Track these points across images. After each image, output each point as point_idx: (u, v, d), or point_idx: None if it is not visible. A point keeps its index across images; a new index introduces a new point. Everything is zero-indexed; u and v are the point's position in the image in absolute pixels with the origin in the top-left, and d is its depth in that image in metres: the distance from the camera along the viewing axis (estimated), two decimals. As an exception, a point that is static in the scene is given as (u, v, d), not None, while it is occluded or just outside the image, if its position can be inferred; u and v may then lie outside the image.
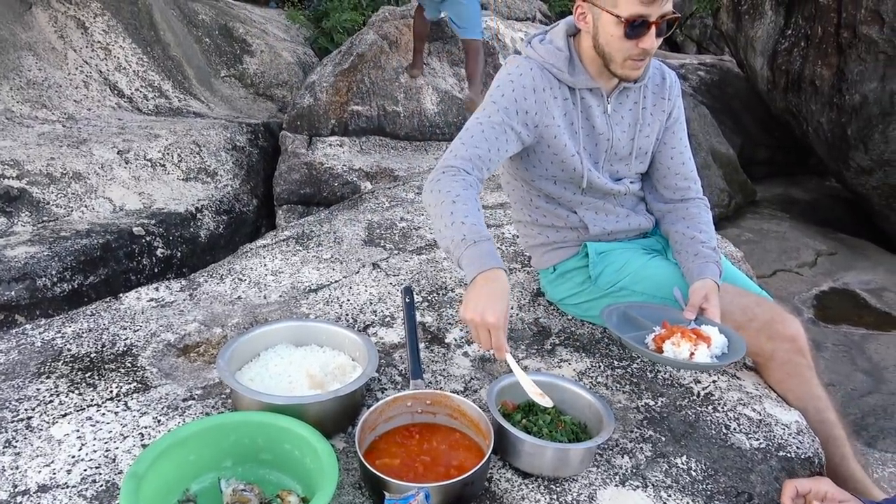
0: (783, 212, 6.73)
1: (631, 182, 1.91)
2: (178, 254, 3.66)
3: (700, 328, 1.60)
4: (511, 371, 1.47)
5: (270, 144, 4.77)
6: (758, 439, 1.57)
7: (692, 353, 1.50)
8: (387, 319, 1.94)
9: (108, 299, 2.00)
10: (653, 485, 1.40)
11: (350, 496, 1.33)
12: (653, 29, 1.59)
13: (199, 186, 4.07)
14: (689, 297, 1.71)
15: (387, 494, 1.21)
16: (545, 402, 1.41)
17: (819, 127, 6.32)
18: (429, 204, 1.59)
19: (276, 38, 6.12)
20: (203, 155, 4.23)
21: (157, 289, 2.07)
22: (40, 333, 1.80)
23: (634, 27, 1.58)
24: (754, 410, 1.67)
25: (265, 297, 2.04)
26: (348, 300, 2.03)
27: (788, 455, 1.53)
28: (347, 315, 1.95)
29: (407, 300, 1.71)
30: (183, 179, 4.06)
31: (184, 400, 1.56)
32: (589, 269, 1.89)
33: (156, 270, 3.53)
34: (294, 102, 4.59)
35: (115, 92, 4.81)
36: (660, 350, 1.55)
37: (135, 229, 3.47)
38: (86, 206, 3.56)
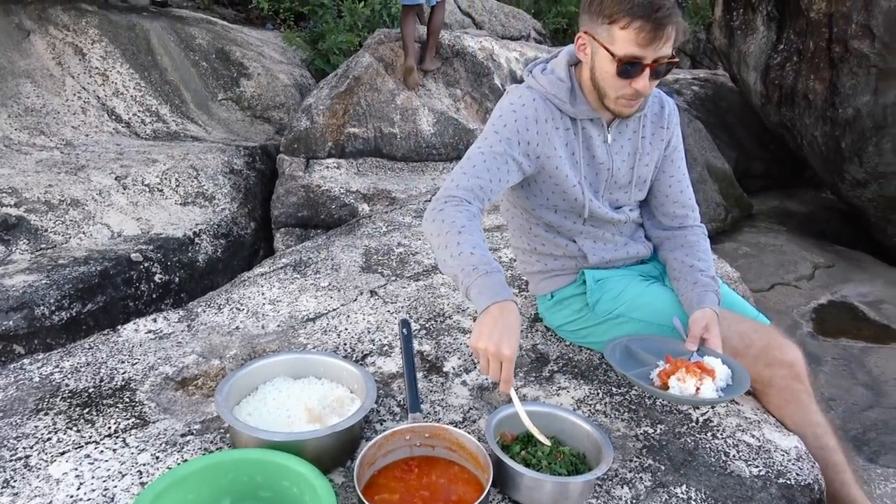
0: (780, 225, 6.75)
1: (630, 210, 1.92)
2: (177, 279, 3.67)
3: (703, 360, 1.61)
4: (510, 402, 1.47)
5: (268, 167, 4.79)
6: (757, 466, 1.57)
7: (697, 388, 1.51)
8: (385, 348, 1.94)
9: (106, 332, 2.01)
10: (653, 516, 1.39)
11: (349, 532, 1.32)
12: (647, 71, 1.59)
13: (196, 211, 4.08)
14: (689, 327, 1.72)
15: (386, 533, 1.21)
16: (544, 439, 1.43)
17: (813, 140, 6.36)
18: (431, 233, 1.57)
19: (272, 60, 6.16)
20: (201, 179, 4.24)
21: (154, 320, 2.07)
22: (38, 368, 1.80)
23: (628, 67, 1.59)
24: (753, 437, 1.67)
25: (263, 328, 2.04)
26: (346, 329, 2.03)
27: (788, 482, 1.53)
28: (345, 344, 1.96)
29: (404, 332, 1.71)
30: (181, 204, 4.07)
31: (182, 435, 1.56)
32: (587, 296, 1.89)
33: (154, 296, 3.53)
34: (291, 126, 4.61)
35: (113, 117, 4.83)
36: (665, 386, 1.55)
37: (133, 255, 3.48)
38: (84, 233, 3.56)
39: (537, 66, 1.84)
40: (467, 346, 1.95)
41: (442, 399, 1.74)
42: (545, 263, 1.95)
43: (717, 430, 1.67)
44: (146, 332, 2.00)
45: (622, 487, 1.47)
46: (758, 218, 6.91)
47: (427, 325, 2.07)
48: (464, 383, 1.81)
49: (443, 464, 1.46)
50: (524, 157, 1.72)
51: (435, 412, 1.68)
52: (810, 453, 1.66)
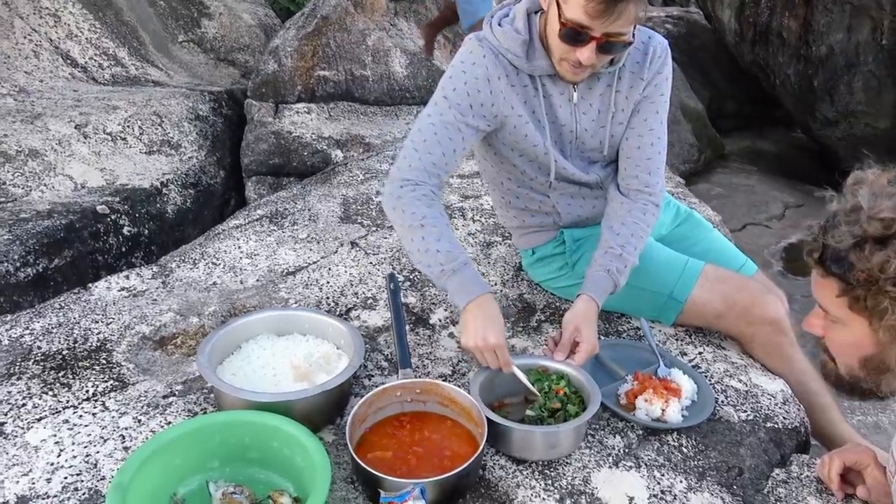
0: (751, 165, 6.79)
1: (603, 167, 1.78)
2: (146, 231, 3.54)
3: (670, 377, 1.59)
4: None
5: (235, 113, 4.61)
6: (745, 411, 1.58)
7: (663, 411, 1.49)
8: (369, 301, 1.90)
9: (77, 290, 1.93)
10: (646, 464, 1.40)
11: (343, 491, 1.31)
12: (593, 44, 1.45)
13: (162, 160, 3.93)
14: (561, 331, 1.57)
15: (382, 493, 1.19)
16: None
17: (786, 79, 6.34)
18: (394, 221, 1.60)
19: (234, -1, 5.87)
20: (165, 126, 4.06)
21: (127, 277, 1.99)
22: (7, 330, 1.72)
23: (572, 33, 1.45)
24: (741, 381, 1.68)
25: (241, 283, 1.98)
26: (328, 282, 1.98)
27: (776, 426, 1.55)
28: (328, 298, 1.91)
29: (392, 287, 1.67)
30: (146, 153, 3.90)
31: (164, 397, 1.51)
32: (566, 256, 1.85)
33: (123, 250, 3.41)
34: (258, 69, 4.43)
35: (68, 61, 4.58)
36: (632, 405, 1.53)
37: (98, 208, 3.34)
38: (45, 185, 3.41)
39: (500, 11, 1.66)
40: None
41: (430, 352, 1.71)
42: (522, 220, 1.89)
43: (706, 376, 1.68)
44: (119, 290, 1.92)
45: (614, 437, 1.47)
46: (730, 158, 6.93)
47: (411, 277, 2.02)
48: (451, 335, 1.78)
49: (435, 419, 1.44)
50: (480, 120, 1.61)
51: (423, 366, 1.66)
52: (796, 398, 1.68)
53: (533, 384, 1.45)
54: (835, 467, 1.35)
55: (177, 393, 1.53)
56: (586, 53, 1.46)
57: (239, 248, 2.18)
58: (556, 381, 1.46)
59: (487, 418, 1.34)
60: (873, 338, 0.99)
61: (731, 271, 1.85)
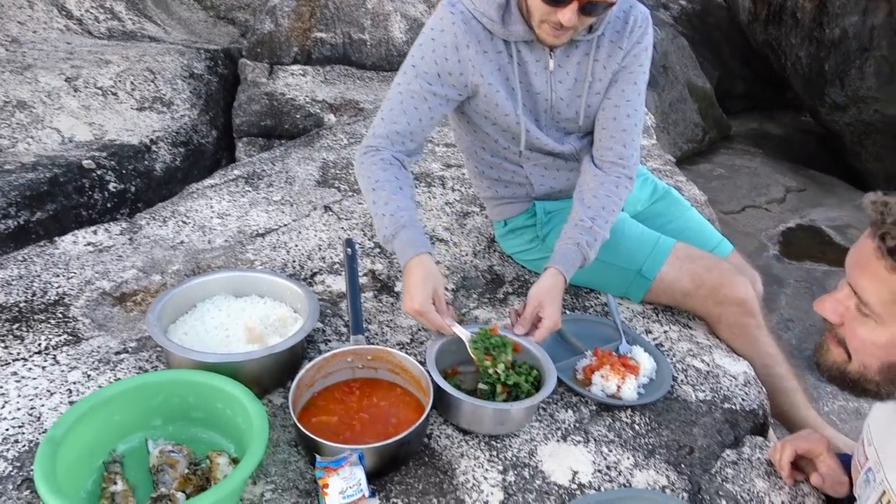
0: (756, 147, 6.69)
1: (579, 139, 1.75)
2: (133, 188, 3.52)
3: (630, 354, 1.56)
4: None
5: (231, 72, 4.54)
6: (704, 391, 1.56)
7: (619, 387, 1.47)
8: (335, 266, 1.88)
9: (42, 243, 1.91)
10: (595, 439, 1.39)
11: (285, 454, 1.30)
12: (574, 4, 1.40)
13: (154, 117, 3.89)
14: (525, 305, 1.53)
15: (318, 457, 1.18)
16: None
17: (797, 61, 6.21)
18: (360, 186, 1.62)
19: (236, -44, 5.76)
20: (158, 83, 4.02)
21: (95, 232, 1.98)
22: (-33, 280, 1.72)
23: None
24: (703, 361, 1.66)
25: (209, 242, 1.96)
26: (296, 245, 1.96)
27: (733, 407, 1.53)
28: (294, 262, 1.89)
29: (349, 252, 1.64)
30: (137, 109, 3.86)
31: (116, 353, 1.50)
32: (537, 228, 1.82)
33: (108, 206, 3.40)
34: (254, 28, 4.36)
35: (63, 13, 4.52)
36: (588, 381, 1.50)
37: (84, 162, 3.32)
38: (32, 138, 3.38)
39: None
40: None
41: (391, 320, 1.69)
42: (496, 190, 1.86)
43: (668, 355, 1.66)
44: (85, 245, 1.91)
45: (567, 411, 1.46)
46: (735, 139, 6.84)
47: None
48: (414, 304, 1.76)
49: (385, 386, 1.43)
50: (449, 89, 1.58)
51: (382, 333, 1.64)
52: (760, 381, 1.66)
53: (484, 346, 1.43)
54: (786, 455, 1.33)
55: (130, 350, 1.52)
56: (568, 14, 1.42)
57: (211, 207, 2.15)
58: (504, 347, 1.43)
59: (439, 388, 1.33)
60: None
61: (703, 251, 1.81)
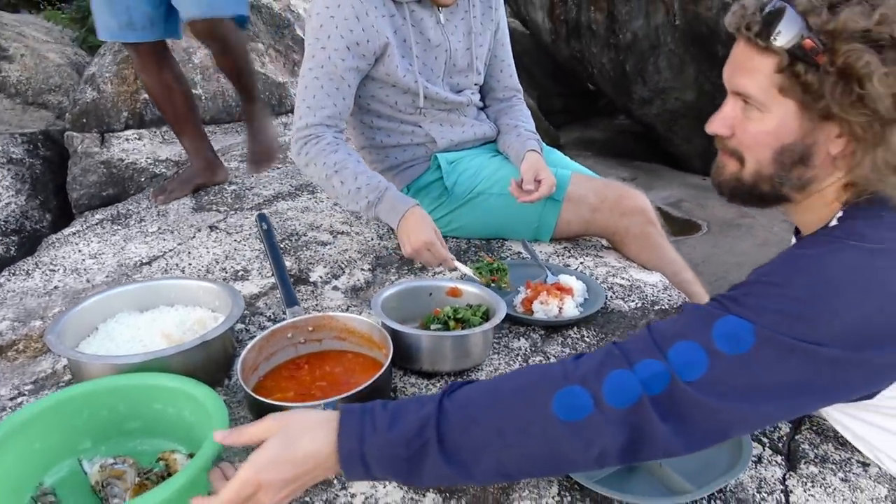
0: (586, 150, 7.24)
1: (472, 93, 1.90)
2: (-37, 285, 3.09)
3: (559, 280, 1.61)
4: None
5: (55, 153, 4.19)
6: (633, 301, 1.63)
7: (560, 309, 1.50)
8: (240, 273, 1.76)
9: None
10: (555, 356, 1.39)
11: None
12: None
13: (-27, 208, 3.47)
14: (522, 176, 1.77)
15: (290, 417, 1.07)
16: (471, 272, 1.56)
17: (602, 68, 6.85)
18: (311, 178, 1.74)
19: (36, 40, 5.40)
20: (-29, 173, 3.62)
21: (-55, 298, 1.71)
22: None
23: None
24: (623, 279, 1.73)
25: (88, 281, 1.76)
26: (190, 264, 1.81)
27: (663, 308, 1.60)
28: (195, 278, 1.74)
29: (264, 226, 1.55)
30: (-49, 203, 3.44)
31: (11, 399, 1.29)
32: (444, 180, 1.84)
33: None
34: (75, 100, 4.07)
35: None
36: (529, 311, 1.53)
37: None
38: None
39: None
40: (331, 256, 1.82)
41: (316, 304, 1.60)
42: (395, 157, 1.87)
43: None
44: (-64, 311, 1.64)
45: (519, 339, 1.45)
46: (565, 147, 7.36)
47: (283, 245, 1.90)
48: (335, 288, 1.68)
49: (334, 355, 1.34)
50: (360, 60, 1.66)
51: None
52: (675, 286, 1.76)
53: (489, 271, 1.56)
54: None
55: (26, 392, 1.31)
56: None
57: (80, 251, 1.94)
58: (504, 271, 1.58)
59: (396, 331, 1.27)
60: (797, 123, 0.89)
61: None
